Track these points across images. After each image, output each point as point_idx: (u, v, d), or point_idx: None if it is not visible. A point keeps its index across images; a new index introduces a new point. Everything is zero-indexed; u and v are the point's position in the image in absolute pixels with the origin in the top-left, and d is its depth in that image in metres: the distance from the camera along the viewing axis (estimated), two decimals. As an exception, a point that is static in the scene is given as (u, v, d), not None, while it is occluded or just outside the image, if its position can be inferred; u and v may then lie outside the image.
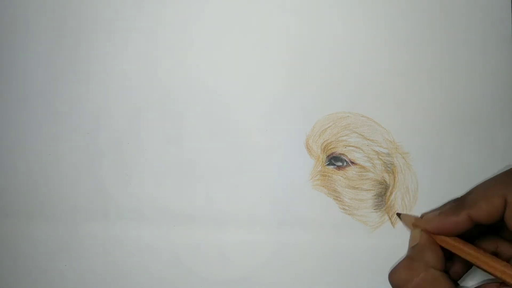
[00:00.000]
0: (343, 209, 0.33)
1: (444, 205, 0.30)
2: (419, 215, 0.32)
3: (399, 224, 0.33)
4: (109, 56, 0.34)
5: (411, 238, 0.30)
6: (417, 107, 0.33)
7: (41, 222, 0.35)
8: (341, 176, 0.33)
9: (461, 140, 0.33)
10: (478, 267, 0.27)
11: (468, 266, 0.30)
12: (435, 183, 0.33)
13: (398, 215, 0.32)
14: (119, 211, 0.34)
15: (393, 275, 0.28)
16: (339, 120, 0.33)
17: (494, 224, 0.28)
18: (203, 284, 0.34)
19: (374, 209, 0.33)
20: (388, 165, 0.33)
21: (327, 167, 0.33)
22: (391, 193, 0.33)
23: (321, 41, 0.33)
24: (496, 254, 0.29)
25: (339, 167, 0.33)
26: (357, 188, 0.33)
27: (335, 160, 0.33)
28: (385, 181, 0.33)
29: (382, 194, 0.33)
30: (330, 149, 0.33)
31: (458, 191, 0.32)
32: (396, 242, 0.32)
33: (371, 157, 0.33)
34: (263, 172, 0.33)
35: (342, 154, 0.33)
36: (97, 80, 0.34)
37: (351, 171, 0.33)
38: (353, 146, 0.33)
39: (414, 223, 0.30)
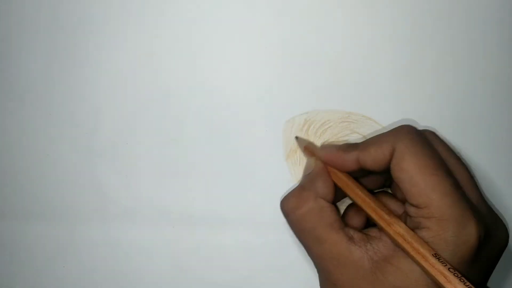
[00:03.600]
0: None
1: (344, 142, 0.31)
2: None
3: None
4: (107, 56, 0.34)
5: (306, 166, 0.31)
6: (418, 107, 0.33)
7: (39, 223, 0.34)
8: (342, 177, 0.33)
9: (461, 141, 0.33)
10: (360, 206, 0.28)
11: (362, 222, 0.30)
12: (436, 184, 0.32)
13: (296, 138, 0.33)
14: (117, 212, 0.34)
15: (284, 202, 0.29)
16: (340, 120, 0.33)
17: (383, 174, 0.28)
18: (202, 284, 0.34)
19: None
20: (389, 166, 0.33)
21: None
22: (392, 194, 0.33)
23: (321, 41, 0.33)
24: None
25: (339, 168, 0.33)
26: (357, 188, 0.33)
27: (335, 160, 0.33)
28: (386, 182, 0.33)
29: (383, 195, 0.33)
30: (331, 149, 0.33)
31: (460, 192, 0.32)
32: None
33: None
34: (263, 172, 0.33)
35: (343, 154, 0.33)
36: (96, 80, 0.34)
37: (351, 171, 0.33)
38: (353, 147, 0.33)
39: (307, 146, 0.31)
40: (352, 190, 0.28)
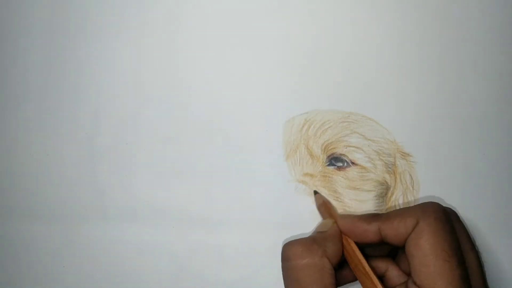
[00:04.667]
0: (344, 210, 0.33)
1: (364, 213, 0.30)
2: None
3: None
4: (107, 56, 0.34)
5: (321, 225, 0.31)
6: (419, 107, 0.33)
7: (39, 223, 0.34)
8: (342, 177, 0.33)
9: (463, 141, 0.33)
10: (361, 282, 0.28)
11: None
12: (436, 184, 0.32)
13: (315, 192, 0.33)
14: (117, 212, 0.34)
15: (289, 246, 0.28)
16: (340, 120, 0.33)
17: (397, 249, 0.28)
18: (202, 284, 0.34)
19: (375, 210, 0.33)
20: (389, 166, 0.33)
21: (328, 167, 0.33)
22: (392, 194, 0.33)
23: (321, 41, 0.33)
24: (382, 277, 0.30)
25: (339, 168, 0.33)
26: (358, 188, 0.33)
27: (335, 160, 0.33)
28: (386, 182, 0.33)
29: (383, 195, 0.33)
30: (331, 149, 0.33)
31: (460, 192, 0.32)
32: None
33: (372, 157, 0.33)
34: (263, 172, 0.33)
35: (343, 154, 0.33)
36: (96, 80, 0.34)
37: (351, 171, 0.33)
38: (354, 147, 0.33)
39: (323, 204, 0.31)
40: (359, 263, 0.28)
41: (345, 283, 0.30)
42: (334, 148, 0.33)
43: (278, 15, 0.33)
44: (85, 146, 0.34)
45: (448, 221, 0.27)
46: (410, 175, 0.33)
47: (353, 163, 0.33)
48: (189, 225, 0.34)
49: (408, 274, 0.27)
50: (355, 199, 0.33)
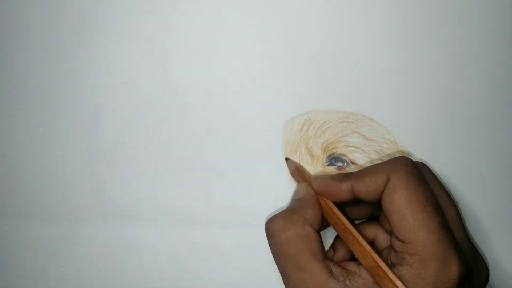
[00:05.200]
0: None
1: (338, 172, 0.31)
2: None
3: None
4: (107, 56, 0.34)
5: (296, 191, 0.31)
6: (418, 107, 0.33)
7: (39, 223, 0.35)
8: (342, 177, 0.33)
9: (463, 140, 0.33)
10: (345, 240, 0.28)
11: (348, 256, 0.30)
12: (436, 184, 0.32)
13: (286, 159, 0.33)
14: (117, 212, 0.34)
15: (270, 223, 0.29)
16: (340, 120, 0.33)
17: (373, 204, 0.28)
18: (202, 284, 0.34)
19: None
20: (389, 166, 0.33)
21: (328, 167, 0.33)
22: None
23: (321, 41, 0.33)
24: (372, 242, 0.30)
25: (339, 168, 0.33)
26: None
27: (335, 160, 0.33)
28: (386, 182, 0.33)
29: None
30: (331, 149, 0.33)
31: (460, 192, 0.32)
32: (397, 243, 0.32)
33: (372, 157, 0.33)
34: (263, 172, 0.33)
35: (343, 154, 0.33)
36: (96, 80, 0.34)
37: (351, 171, 0.33)
38: (354, 147, 0.33)
39: (296, 169, 0.31)
40: (338, 221, 0.28)
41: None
42: (334, 148, 0.33)
43: (278, 15, 0.33)
44: (85, 146, 0.34)
45: (419, 174, 0.27)
46: (410, 175, 0.33)
47: (353, 163, 0.33)
48: (189, 225, 0.34)
49: (391, 232, 0.27)
50: (355, 199, 0.33)
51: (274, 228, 0.28)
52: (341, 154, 0.33)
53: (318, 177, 0.30)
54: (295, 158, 0.33)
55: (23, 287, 0.35)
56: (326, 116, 0.33)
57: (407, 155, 0.29)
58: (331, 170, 0.33)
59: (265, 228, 0.29)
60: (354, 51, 0.33)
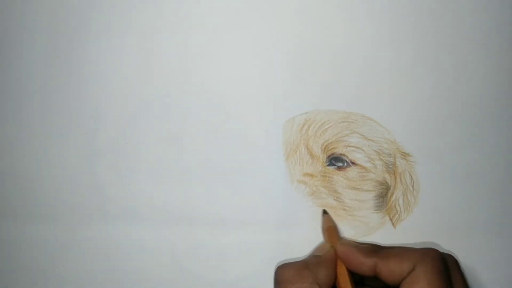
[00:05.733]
0: (344, 210, 0.33)
1: (365, 243, 0.31)
2: (419, 216, 0.32)
3: (400, 225, 0.33)
4: (107, 56, 0.34)
5: (318, 247, 0.31)
6: (418, 107, 0.33)
7: (39, 223, 0.34)
8: (342, 177, 0.33)
9: (463, 141, 0.33)
10: None
11: None
12: (436, 184, 0.32)
13: (324, 212, 0.33)
14: (117, 212, 0.34)
15: (281, 270, 0.29)
16: (340, 120, 0.33)
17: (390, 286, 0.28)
18: (202, 284, 0.34)
19: (375, 210, 0.33)
20: (389, 166, 0.33)
21: (328, 167, 0.33)
22: (392, 194, 0.33)
23: (321, 41, 0.33)
24: None
25: (339, 168, 0.33)
26: (357, 189, 0.33)
27: (335, 160, 0.33)
28: (386, 182, 0.33)
29: (383, 195, 0.33)
30: (331, 149, 0.33)
31: (460, 192, 0.32)
32: (397, 243, 0.32)
33: (372, 157, 0.33)
34: (263, 172, 0.33)
35: (343, 154, 0.33)
36: (96, 80, 0.34)
37: (351, 171, 0.33)
38: (353, 147, 0.33)
39: (329, 228, 0.31)
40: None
41: None
42: (334, 148, 0.33)
43: (278, 16, 0.33)
44: (85, 146, 0.34)
45: (444, 271, 0.27)
46: (410, 175, 0.33)
47: (353, 163, 0.33)
48: (189, 225, 0.34)
49: None
50: (355, 199, 0.33)
51: (283, 276, 0.28)
52: (341, 154, 0.33)
53: (344, 242, 0.30)
54: (295, 158, 0.33)
55: (23, 287, 0.35)
56: (326, 116, 0.33)
57: (435, 247, 0.29)
58: (331, 170, 0.33)
59: (275, 273, 0.29)
60: (354, 51, 0.33)
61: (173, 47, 0.34)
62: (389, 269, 0.27)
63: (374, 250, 0.29)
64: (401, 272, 0.27)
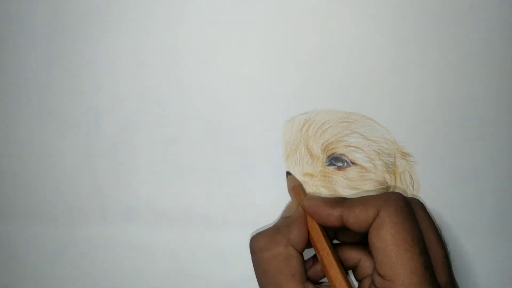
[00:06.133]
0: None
1: (331, 196, 0.31)
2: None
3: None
4: (107, 56, 0.34)
5: (287, 208, 0.32)
6: (418, 107, 0.33)
7: (39, 223, 0.34)
8: (342, 177, 0.33)
9: (463, 141, 0.33)
10: (323, 263, 0.28)
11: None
12: (436, 184, 0.32)
13: (287, 173, 0.33)
14: (117, 212, 0.34)
15: (254, 240, 0.29)
16: (340, 120, 0.33)
17: (362, 236, 0.28)
18: (202, 284, 0.34)
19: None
20: (389, 166, 0.33)
21: (328, 167, 0.33)
22: (392, 194, 0.33)
23: (321, 41, 0.33)
24: (355, 267, 0.30)
25: (339, 168, 0.33)
26: (358, 188, 0.33)
27: (335, 160, 0.33)
28: (386, 182, 0.33)
29: (383, 195, 0.33)
30: (331, 149, 0.33)
31: (460, 192, 0.32)
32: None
33: (372, 157, 0.33)
34: (263, 172, 0.33)
35: (343, 154, 0.33)
36: (96, 80, 0.34)
37: (351, 171, 0.33)
38: (353, 147, 0.33)
39: (294, 187, 0.31)
40: (321, 245, 0.28)
41: (320, 278, 0.30)
42: (334, 148, 0.33)
43: (278, 15, 0.33)
44: (85, 146, 0.34)
45: (409, 212, 0.27)
46: (410, 175, 0.33)
47: (353, 163, 0.33)
48: (189, 225, 0.34)
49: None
50: (355, 199, 0.33)
51: (257, 245, 0.29)
52: (341, 154, 0.33)
53: (310, 198, 0.30)
54: (295, 158, 0.33)
55: (23, 287, 0.35)
56: (326, 116, 0.33)
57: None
58: (331, 170, 0.33)
59: (249, 244, 0.29)
60: (354, 51, 0.33)
61: (173, 47, 0.34)
62: (355, 217, 0.27)
63: (340, 200, 0.29)
64: (366, 218, 0.27)
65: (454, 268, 0.29)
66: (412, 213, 0.27)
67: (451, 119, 0.33)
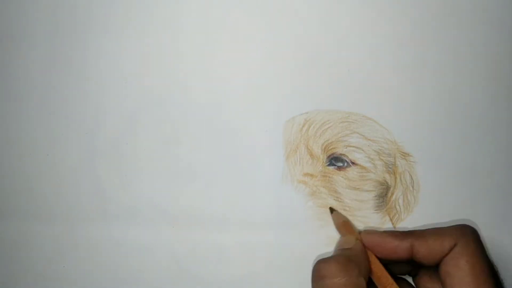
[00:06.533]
0: (344, 210, 0.33)
1: (392, 229, 0.31)
2: (419, 216, 0.32)
3: (400, 225, 0.32)
4: (107, 57, 0.34)
5: (343, 242, 0.30)
6: (419, 107, 0.33)
7: (39, 223, 0.34)
8: (342, 177, 0.33)
9: (463, 141, 0.33)
10: None
11: None
12: (436, 184, 0.32)
13: (331, 210, 0.32)
14: (117, 212, 0.34)
15: (323, 264, 0.27)
16: (340, 120, 0.33)
17: (417, 269, 0.28)
18: (202, 284, 0.34)
19: (375, 210, 0.33)
20: (389, 166, 0.33)
21: (328, 167, 0.33)
22: (392, 194, 0.33)
23: (322, 41, 0.33)
24: None
25: (339, 168, 0.33)
26: (358, 189, 0.33)
27: (335, 160, 0.33)
28: (386, 182, 0.33)
29: (383, 195, 0.33)
30: (331, 149, 0.33)
31: (460, 192, 0.32)
32: (397, 243, 0.32)
33: (372, 157, 0.33)
34: (263, 172, 0.33)
35: (343, 154, 0.33)
36: (96, 80, 0.34)
37: (351, 171, 0.33)
38: (354, 147, 0.33)
39: (344, 224, 0.31)
40: (387, 280, 0.28)
41: None
42: (334, 148, 0.33)
43: (278, 16, 0.33)
44: (85, 146, 0.34)
45: (482, 244, 0.27)
46: (410, 175, 0.33)
47: (353, 163, 0.33)
48: (190, 225, 0.34)
49: None
50: (355, 199, 0.33)
51: (327, 270, 0.27)
52: (341, 154, 0.33)
53: (370, 232, 0.29)
54: (295, 158, 0.33)
55: (23, 287, 0.35)
56: (326, 116, 0.33)
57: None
58: (331, 170, 0.33)
59: (315, 268, 0.27)
60: (354, 51, 0.33)
61: (173, 47, 0.34)
62: (428, 248, 0.27)
63: (408, 232, 0.28)
64: (441, 249, 0.27)
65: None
66: (485, 246, 0.27)
67: (451, 119, 0.33)
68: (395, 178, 0.33)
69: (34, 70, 0.34)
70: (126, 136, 0.34)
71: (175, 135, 0.34)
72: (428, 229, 0.28)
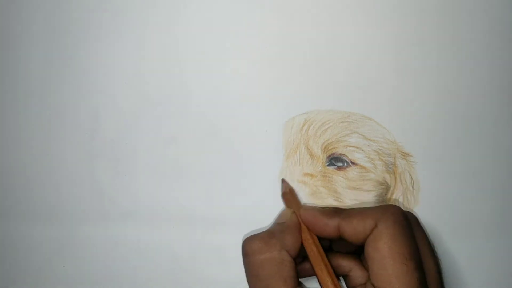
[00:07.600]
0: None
1: (326, 206, 0.31)
2: (419, 215, 0.32)
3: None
4: (107, 56, 0.34)
5: (281, 214, 0.31)
6: (419, 107, 0.33)
7: (39, 223, 0.34)
8: (342, 177, 0.33)
9: (463, 141, 0.33)
10: (316, 270, 0.28)
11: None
12: (436, 184, 0.32)
13: (283, 180, 0.33)
14: (117, 212, 0.34)
15: (247, 242, 0.29)
16: (340, 120, 0.33)
17: (357, 247, 0.28)
18: (202, 284, 0.34)
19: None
20: (389, 166, 0.33)
21: (328, 167, 0.33)
22: (392, 194, 0.33)
23: (322, 41, 0.33)
24: (346, 276, 0.30)
25: (339, 168, 0.33)
26: (358, 189, 0.33)
27: (335, 160, 0.33)
28: (386, 182, 0.33)
29: (383, 195, 0.33)
30: (331, 149, 0.33)
31: (460, 192, 0.32)
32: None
33: (372, 157, 0.33)
34: (263, 172, 0.33)
35: (343, 154, 0.33)
36: (96, 80, 0.34)
37: (351, 171, 0.33)
38: (354, 147, 0.33)
39: (284, 194, 0.32)
40: (313, 251, 0.29)
41: (307, 276, 0.30)
42: (334, 148, 0.33)
43: (278, 16, 0.33)
44: (85, 146, 0.34)
45: (407, 225, 0.27)
46: (410, 175, 0.33)
47: (353, 163, 0.33)
48: (189, 225, 0.34)
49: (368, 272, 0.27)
50: (355, 199, 0.33)
51: (250, 248, 0.28)
52: (341, 154, 0.33)
53: (306, 208, 0.30)
54: (295, 158, 0.33)
55: (23, 287, 0.35)
56: (326, 116, 0.33)
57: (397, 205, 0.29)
58: (331, 170, 0.33)
59: (242, 246, 0.29)
60: (354, 51, 0.33)
61: (172, 48, 0.34)
62: (352, 228, 0.27)
63: (336, 211, 0.29)
64: (364, 229, 0.27)
65: (454, 268, 0.29)
66: (410, 227, 0.27)
67: (451, 119, 0.33)
68: (395, 178, 0.33)
69: (34, 70, 0.34)
70: (126, 136, 0.34)
71: (175, 135, 0.34)
72: (355, 208, 0.29)
